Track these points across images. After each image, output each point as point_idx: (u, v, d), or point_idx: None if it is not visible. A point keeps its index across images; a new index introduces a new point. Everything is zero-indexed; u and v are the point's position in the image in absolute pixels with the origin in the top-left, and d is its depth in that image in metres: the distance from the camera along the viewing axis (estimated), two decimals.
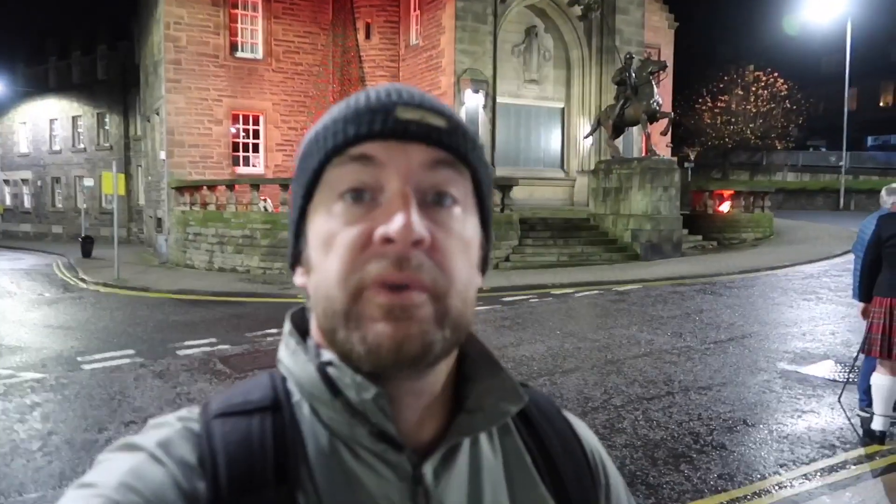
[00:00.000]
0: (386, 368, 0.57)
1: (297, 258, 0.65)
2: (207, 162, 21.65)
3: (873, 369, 5.01)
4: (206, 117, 21.56)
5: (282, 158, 22.80)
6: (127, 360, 7.78)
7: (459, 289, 0.59)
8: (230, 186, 17.79)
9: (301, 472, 0.58)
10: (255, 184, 17.58)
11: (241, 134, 22.43)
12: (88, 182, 25.20)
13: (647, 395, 6.07)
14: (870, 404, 5.14)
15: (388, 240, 0.56)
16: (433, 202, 0.59)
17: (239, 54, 22.11)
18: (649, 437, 5.06)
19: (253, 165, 22.56)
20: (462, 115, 20.17)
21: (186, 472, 0.56)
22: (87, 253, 21.91)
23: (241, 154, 22.42)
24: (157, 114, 22.56)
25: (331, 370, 0.59)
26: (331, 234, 0.59)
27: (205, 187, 18.32)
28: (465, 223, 0.61)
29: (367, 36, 23.02)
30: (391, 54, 23.07)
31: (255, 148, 22.67)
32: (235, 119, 22.20)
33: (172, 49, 20.93)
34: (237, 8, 21.96)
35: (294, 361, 0.63)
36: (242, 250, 16.54)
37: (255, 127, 22.60)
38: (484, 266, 0.66)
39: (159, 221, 22.97)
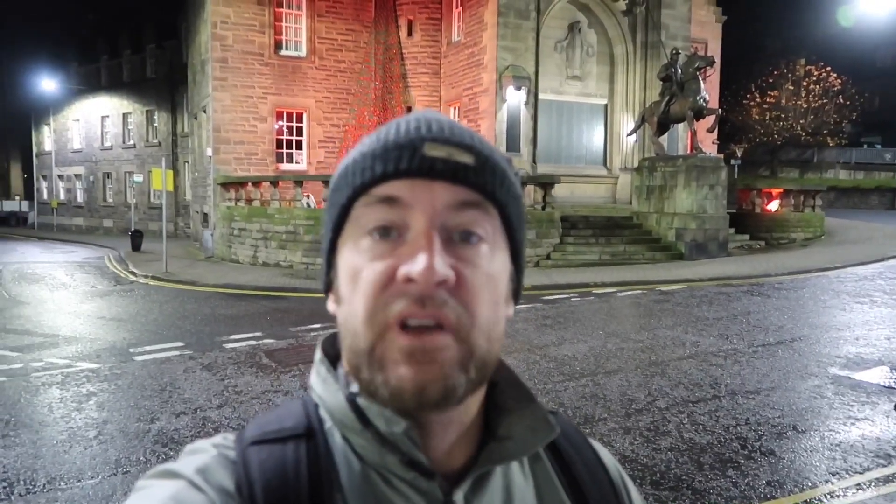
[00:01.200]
0: (409, 411, 0.58)
1: (329, 286, 0.66)
2: (252, 158, 22.03)
3: None
4: (251, 115, 21.93)
5: (324, 155, 23.05)
6: (176, 353, 7.99)
7: (484, 327, 0.59)
8: (274, 183, 18.06)
9: (335, 499, 0.59)
10: (299, 180, 17.84)
11: (285, 131, 22.76)
12: (138, 178, 25.96)
13: (693, 399, 5.97)
14: None
15: (410, 279, 0.56)
16: (459, 239, 0.60)
17: (283, 52, 22.42)
18: (695, 441, 4.98)
19: (296, 162, 22.87)
20: (504, 112, 20.12)
21: (225, 498, 0.57)
22: (136, 246, 22.55)
23: (284, 151, 22.76)
24: (204, 111, 23.04)
25: (360, 401, 0.61)
26: (357, 269, 0.60)
27: (249, 183, 18.65)
28: (492, 260, 0.61)
29: (410, 33, 23.10)
30: (433, 51, 23.10)
31: (299, 145, 22.98)
32: (279, 116, 22.54)
33: (219, 48, 21.35)
34: (282, 7, 22.26)
35: (325, 390, 0.64)
36: (286, 245, 16.81)
37: (299, 124, 22.89)
38: (516, 297, 0.66)
39: (205, 216, 23.48)
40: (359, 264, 0.60)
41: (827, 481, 4.34)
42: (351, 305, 0.60)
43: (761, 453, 4.77)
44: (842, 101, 38.05)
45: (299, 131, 22.94)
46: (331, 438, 0.63)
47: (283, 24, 22.38)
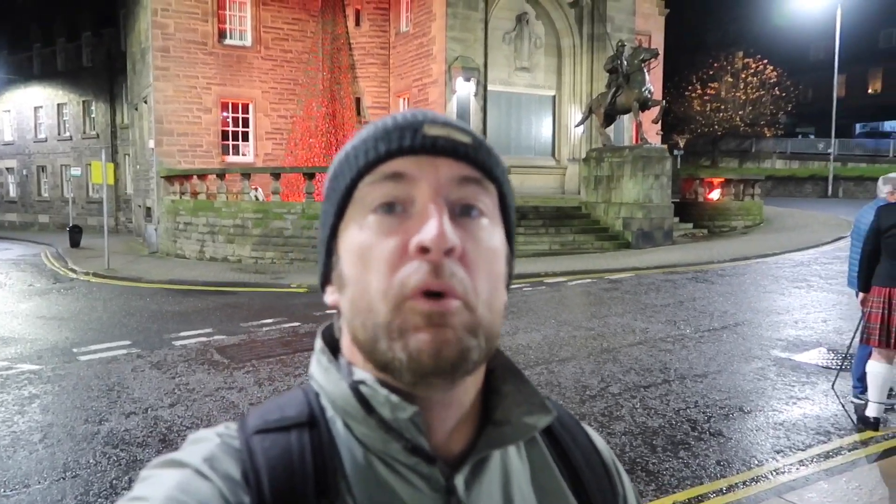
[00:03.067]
0: (426, 375, 0.58)
1: (327, 277, 0.67)
2: (196, 150, 21.48)
3: (867, 357, 5.09)
4: (194, 105, 21.37)
5: (271, 147, 22.65)
6: (123, 351, 7.76)
7: (487, 298, 0.61)
8: (220, 175, 17.68)
9: (340, 486, 0.60)
10: (246, 172, 17.50)
11: (231, 122, 22.26)
12: (75, 171, 24.97)
13: (644, 383, 6.14)
14: (864, 391, 5.24)
15: (423, 249, 0.58)
16: (461, 213, 0.62)
17: (227, 42, 21.89)
18: (647, 425, 5.13)
19: (242, 154, 22.42)
20: (453, 103, 20.15)
21: (232, 486, 0.58)
22: (75, 243, 21.73)
23: (230, 142, 22.27)
24: (146, 102, 22.33)
25: (363, 389, 0.61)
26: (366, 246, 0.61)
27: (195, 176, 18.19)
28: (492, 234, 0.63)
29: (357, 23, 22.86)
30: (381, 42, 22.92)
31: (245, 136, 22.51)
32: (224, 107, 22.01)
33: (160, 36, 20.69)
34: None
35: (327, 379, 0.65)
36: (234, 239, 16.47)
37: (245, 115, 22.43)
38: (508, 281, 0.68)
39: (148, 210, 22.80)
40: (367, 241, 0.61)
41: (772, 459, 4.53)
42: (362, 283, 0.60)
43: (710, 434, 4.94)
44: (778, 93, 39.38)
45: (245, 122, 22.48)
46: (333, 427, 0.63)
47: (227, 12, 21.84)
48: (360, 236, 0.61)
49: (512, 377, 0.68)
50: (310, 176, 16.36)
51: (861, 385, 5.35)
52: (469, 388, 0.65)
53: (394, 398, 0.59)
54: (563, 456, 0.73)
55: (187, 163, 20.93)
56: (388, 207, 0.61)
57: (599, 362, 6.85)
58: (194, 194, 17.93)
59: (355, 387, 0.62)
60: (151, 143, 21.37)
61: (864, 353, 5.28)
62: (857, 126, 44.28)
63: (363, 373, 0.62)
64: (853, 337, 5.74)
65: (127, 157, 28.96)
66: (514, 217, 0.68)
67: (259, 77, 22.28)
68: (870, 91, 45.50)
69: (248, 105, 22.36)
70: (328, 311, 6.27)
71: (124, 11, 27.08)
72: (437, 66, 20.34)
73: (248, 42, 22.20)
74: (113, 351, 7.79)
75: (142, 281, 13.72)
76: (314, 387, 0.66)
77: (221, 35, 21.74)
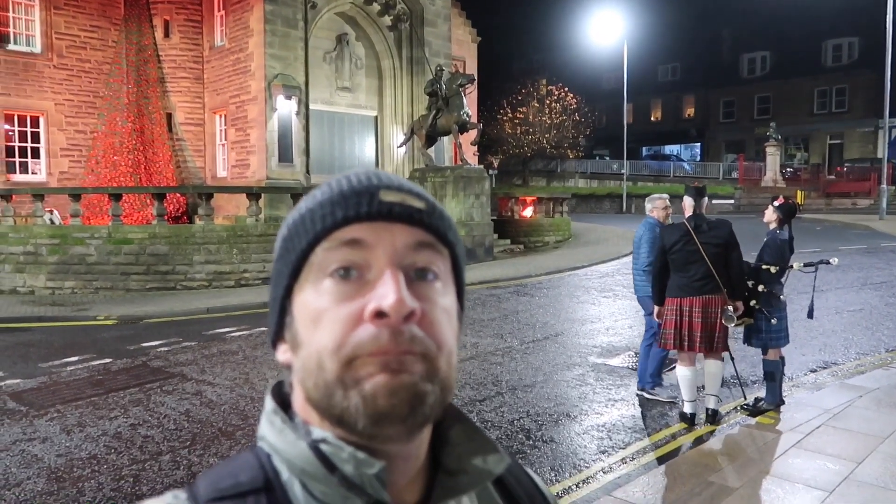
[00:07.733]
0: (382, 419, 0.59)
1: (279, 335, 0.66)
2: None
3: (659, 357, 5.89)
4: None
5: (68, 164, 20.50)
6: None
7: (446, 353, 0.63)
8: (6, 196, 15.66)
9: None
10: (39, 193, 15.66)
11: (17, 137, 19.83)
12: None
13: (479, 397, 6.37)
14: (654, 386, 6.04)
15: (380, 314, 0.59)
16: (416, 277, 0.63)
17: (11, 47, 19.52)
18: None
19: (33, 173, 20.06)
20: (274, 121, 19.65)
21: None
22: None
23: (17, 159, 19.83)
24: None
25: (324, 447, 0.61)
26: (321, 310, 0.61)
27: None
28: (445, 295, 0.66)
29: (166, 34, 21.52)
30: (194, 55, 21.78)
31: (35, 153, 20.17)
32: (9, 119, 19.58)
33: None
34: None
35: (282, 440, 0.64)
36: (24, 269, 14.62)
37: (35, 129, 20.10)
38: (457, 338, 0.70)
39: None
40: (322, 306, 0.61)
41: (598, 459, 4.91)
42: (315, 344, 0.61)
43: (543, 441, 5.25)
44: (578, 118, 43.24)
45: (36, 137, 20.14)
46: (290, 490, 0.62)
47: (11, 14, 19.49)
48: (315, 300, 0.62)
49: (460, 424, 0.69)
50: (116, 197, 15.03)
51: (652, 381, 6.13)
52: (425, 439, 0.66)
53: (360, 455, 0.59)
54: (511, 500, 0.74)
55: None
56: (345, 272, 0.62)
57: None
58: None
59: (315, 445, 0.61)
60: None
61: (647, 352, 6.11)
62: (644, 149, 49.84)
63: (322, 431, 0.61)
64: (653, 342, 6.43)
65: None
66: (464, 278, 0.71)
67: (52, 87, 20.11)
68: (652, 119, 51.51)
69: (38, 118, 20.07)
70: (143, 345, 5.81)
71: None
72: (256, 83, 19.73)
73: (36, 48, 19.97)
74: None
75: None
76: (266, 448, 0.64)
77: (3, 39, 19.36)
